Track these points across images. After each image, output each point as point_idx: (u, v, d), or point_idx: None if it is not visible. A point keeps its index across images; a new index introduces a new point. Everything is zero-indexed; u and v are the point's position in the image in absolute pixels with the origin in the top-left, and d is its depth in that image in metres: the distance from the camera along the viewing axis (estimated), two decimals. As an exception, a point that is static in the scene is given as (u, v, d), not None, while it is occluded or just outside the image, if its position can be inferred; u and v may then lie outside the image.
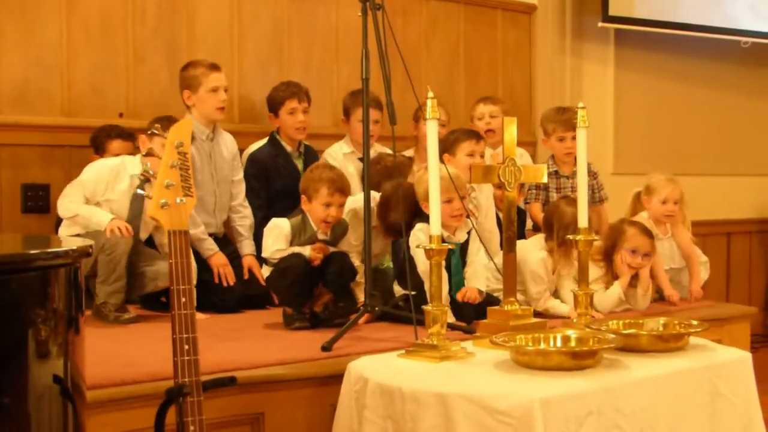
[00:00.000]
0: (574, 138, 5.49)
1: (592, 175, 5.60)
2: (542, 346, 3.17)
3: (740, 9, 7.85)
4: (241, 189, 5.26)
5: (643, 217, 5.22)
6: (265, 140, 5.47)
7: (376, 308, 4.08)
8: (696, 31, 7.60)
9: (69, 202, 4.52)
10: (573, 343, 3.19)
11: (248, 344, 3.87)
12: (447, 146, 5.12)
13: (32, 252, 2.11)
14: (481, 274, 4.45)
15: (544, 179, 3.83)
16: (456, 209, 4.27)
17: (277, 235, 4.36)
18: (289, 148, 5.44)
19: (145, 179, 4.45)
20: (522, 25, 6.94)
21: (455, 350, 3.19)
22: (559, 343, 3.20)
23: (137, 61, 5.42)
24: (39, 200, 5.07)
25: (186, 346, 2.50)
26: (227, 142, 5.22)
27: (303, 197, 4.44)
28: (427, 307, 3.20)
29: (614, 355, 3.15)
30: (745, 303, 7.06)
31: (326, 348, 3.62)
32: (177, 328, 2.51)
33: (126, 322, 4.38)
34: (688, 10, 7.60)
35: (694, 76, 7.79)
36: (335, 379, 3.27)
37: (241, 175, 5.28)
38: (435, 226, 3.20)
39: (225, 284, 4.94)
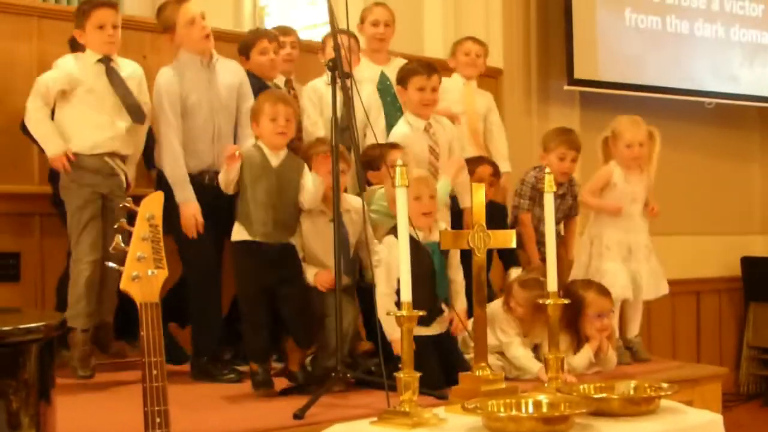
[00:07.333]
0: (573, 160, 5.52)
1: (575, 186, 5.65)
2: (514, 412, 3.17)
3: (703, 70, 7.99)
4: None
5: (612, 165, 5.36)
6: None
7: (348, 375, 4.07)
8: (660, 93, 7.71)
9: (34, 111, 4.56)
10: (545, 409, 3.18)
11: (219, 413, 3.85)
12: (400, 78, 5.13)
13: (5, 329, 2.10)
14: (462, 292, 4.44)
15: (513, 244, 3.79)
16: (425, 206, 4.26)
17: None
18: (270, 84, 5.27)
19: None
20: (489, 88, 7.00)
21: (427, 417, 3.18)
22: (531, 409, 3.20)
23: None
24: (9, 269, 5.03)
25: (157, 419, 2.49)
26: (231, 68, 4.99)
27: (252, 124, 4.48)
28: (399, 374, 3.19)
29: (586, 419, 3.15)
30: (716, 362, 7.12)
31: (298, 416, 3.62)
32: (148, 401, 2.50)
33: (82, 378, 4.43)
34: (652, 72, 7.72)
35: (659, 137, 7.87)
36: (308, 447, 3.27)
37: (250, 103, 4.86)
38: (405, 292, 3.19)
39: (192, 236, 4.64)
